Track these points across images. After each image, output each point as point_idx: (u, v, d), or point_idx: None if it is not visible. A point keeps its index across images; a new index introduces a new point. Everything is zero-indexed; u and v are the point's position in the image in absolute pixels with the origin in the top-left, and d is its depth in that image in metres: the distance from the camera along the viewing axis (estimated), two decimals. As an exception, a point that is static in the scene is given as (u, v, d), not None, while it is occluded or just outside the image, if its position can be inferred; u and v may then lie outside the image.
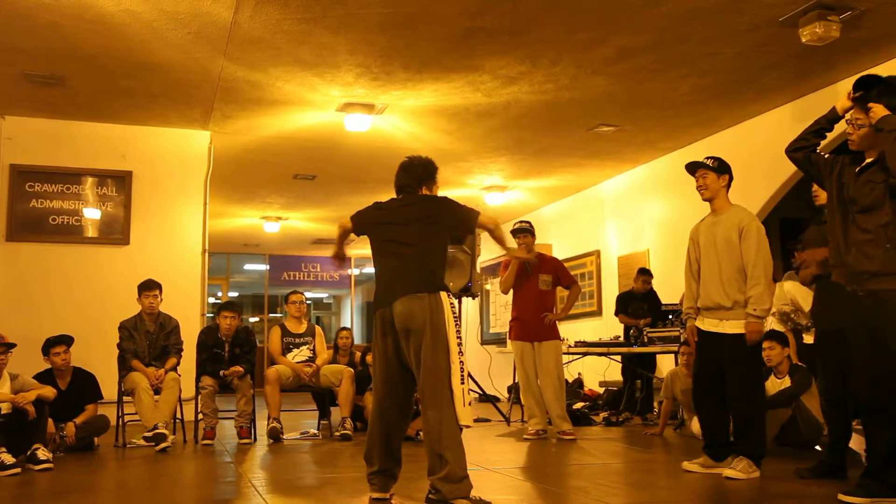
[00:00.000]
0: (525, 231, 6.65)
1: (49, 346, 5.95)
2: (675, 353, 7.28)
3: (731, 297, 4.47)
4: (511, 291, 6.83)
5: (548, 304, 6.69)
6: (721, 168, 4.64)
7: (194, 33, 6.05)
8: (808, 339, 5.78)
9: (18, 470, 4.79)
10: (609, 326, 9.95)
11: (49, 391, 5.38)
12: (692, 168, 4.71)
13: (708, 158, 4.70)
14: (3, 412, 5.11)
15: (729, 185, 4.67)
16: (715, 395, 4.56)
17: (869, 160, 3.77)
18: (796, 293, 5.56)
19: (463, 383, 3.42)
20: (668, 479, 4.47)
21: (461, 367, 3.45)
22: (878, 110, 3.64)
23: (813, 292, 4.74)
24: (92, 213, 8.16)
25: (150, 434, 5.92)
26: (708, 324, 4.57)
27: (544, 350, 6.55)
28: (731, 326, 4.47)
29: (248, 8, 5.62)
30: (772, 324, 5.84)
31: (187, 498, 4.24)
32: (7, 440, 4.91)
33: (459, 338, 3.52)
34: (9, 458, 4.80)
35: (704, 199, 4.69)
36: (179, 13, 5.72)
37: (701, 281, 4.64)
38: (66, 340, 6.00)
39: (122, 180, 8.26)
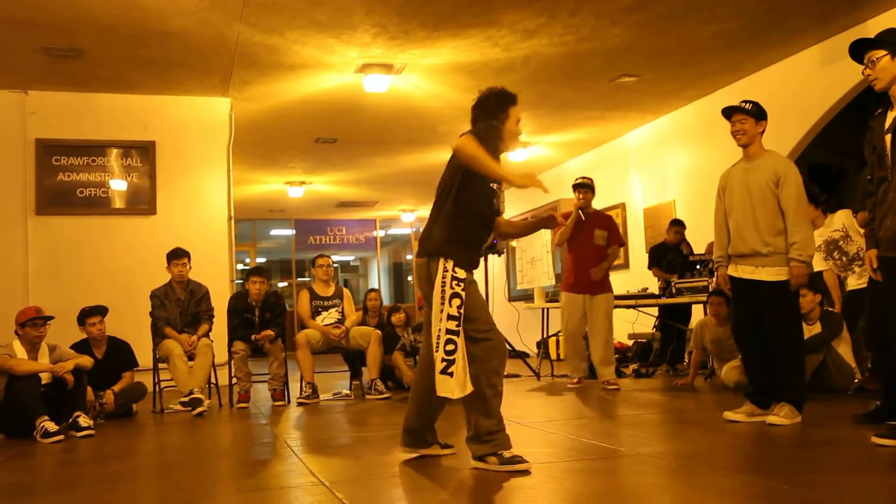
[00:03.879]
0: (585, 186, 6.81)
1: (84, 316, 6.07)
2: (704, 303, 7.26)
3: (769, 244, 4.37)
4: (565, 245, 6.94)
5: (602, 258, 6.78)
6: (759, 114, 4.51)
7: (210, -1, 6.02)
8: (853, 283, 5.76)
9: (62, 437, 4.93)
10: (637, 279, 9.92)
11: (86, 360, 5.50)
12: (729, 112, 4.58)
13: (745, 102, 4.53)
14: (43, 382, 5.24)
15: (763, 132, 4.55)
16: (756, 342, 4.50)
17: None
18: (849, 223, 5.64)
19: (437, 351, 3.32)
20: (701, 428, 4.49)
21: (438, 336, 3.33)
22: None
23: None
24: (118, 185, 8.24)
25: (186, 399, 6.04)
26: (742, 271, 4.48)
27: (596, 302, 6.71)
28: (769, 273, 4.37)
29: (262, -29, 5.58)
30: (815, 259, 5.80)
31: (226, 460, 4.33)
32: (49, 409, 5.06)
33: (453, 309, 3.34)
34: (52, 426, 4.94)
35: (740, 145, 4.54)
36: (194, -21, 5.70)
37: (733, 228, 4.55)
38: (101, 311, 6.11)
39: (145, 151, 8.32)
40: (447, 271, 3.38)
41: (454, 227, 3.50)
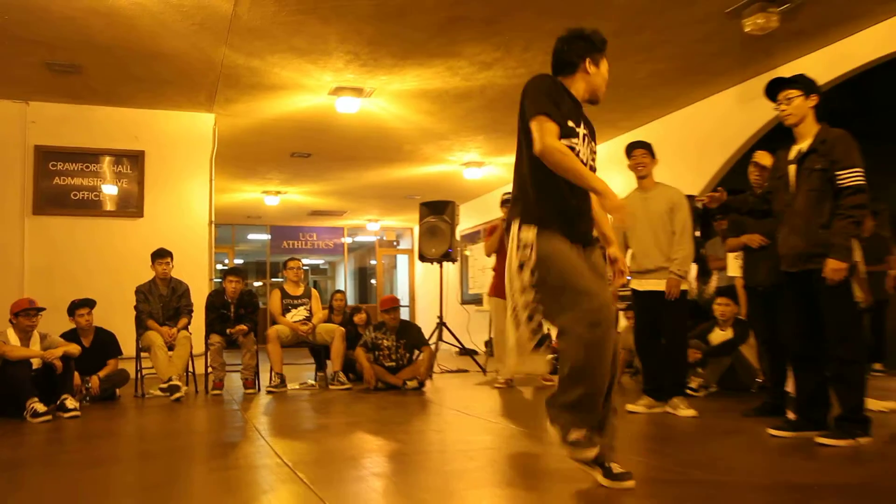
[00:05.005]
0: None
1: (74, 308, 6.02)
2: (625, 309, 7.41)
3: (671, 259, 4.66)
4: (494, 255, 6.97)
5: None
6: (653, 153, 4.88)
7: (198, 24, 6.02)
8: None
9: (49, 417, 4.89)
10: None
11: (74, 348, 5.45)
12: (632, 147, 4.88)
13: (646, 142, 4.89)
14: (34, 367, 5.19)
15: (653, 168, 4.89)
16: (656, 345, 4.78)
17: (801, 147, 3.79)
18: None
19: (518, 328, 2.66)
20: (622, 420, 4.60)
21: (514, 309, 2.67)
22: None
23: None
24: (109, 189, 8.16)
25: (165, 386, 6.01)
26: (646, 284, 4.71)
27: None
28: None
29: (247, 1, 5.60)
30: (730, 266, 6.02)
31: (200, 441, 4.33)
32: (39, 391, 5.01)
33: (530, 275, 2.67)
34: (41, 407, 4.90)
35: (640, 177, 4.88)
36: (184, 5, 5.69)
37: (636, 248, 4.79)
38: (89, 303, 6.06)
39: (135, 159, 8.24)
40: (517, 239, 2.71)
41: (534, 179, 2.89)
